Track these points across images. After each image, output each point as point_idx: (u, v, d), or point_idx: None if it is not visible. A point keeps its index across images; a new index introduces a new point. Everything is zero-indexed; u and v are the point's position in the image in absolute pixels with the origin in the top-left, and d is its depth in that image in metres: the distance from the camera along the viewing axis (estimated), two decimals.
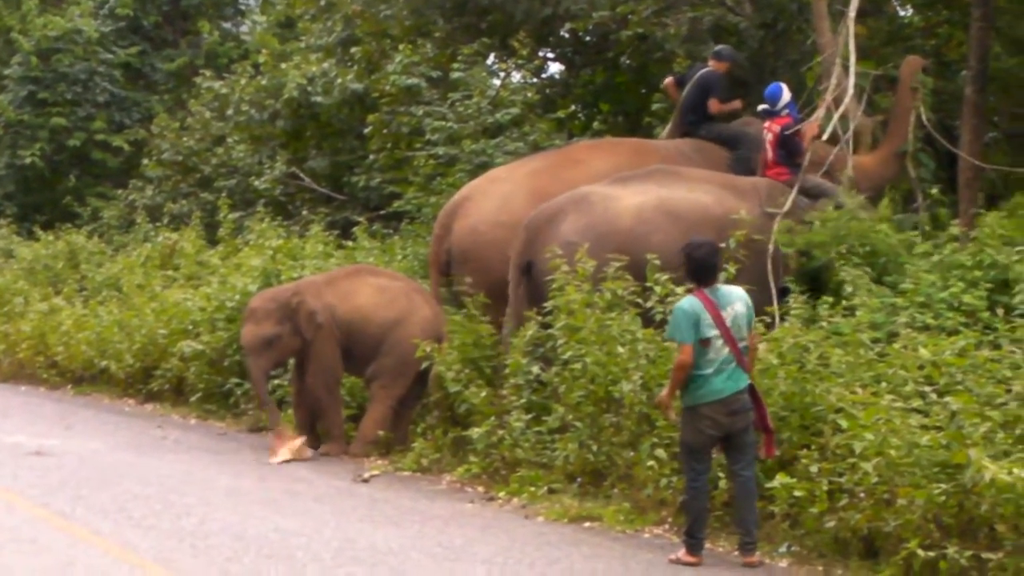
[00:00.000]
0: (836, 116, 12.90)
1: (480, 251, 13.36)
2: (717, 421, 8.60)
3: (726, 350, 8.58)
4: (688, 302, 8.75)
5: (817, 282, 11.66)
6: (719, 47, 14.97)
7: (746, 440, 8.66)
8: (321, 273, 14.65)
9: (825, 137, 12.92)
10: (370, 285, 13.41)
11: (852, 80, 13.02)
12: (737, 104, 14.30)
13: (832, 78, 13.14)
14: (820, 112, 13.04)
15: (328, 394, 13.22)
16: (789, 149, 12.94)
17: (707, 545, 8.77)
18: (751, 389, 8.69)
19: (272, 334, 13.14)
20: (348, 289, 13.37)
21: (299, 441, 12.96)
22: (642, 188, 12.28)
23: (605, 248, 11.45)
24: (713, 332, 8.57)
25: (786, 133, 12.91)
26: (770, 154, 13.09)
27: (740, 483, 8.72)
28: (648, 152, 13.84)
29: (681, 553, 8.64)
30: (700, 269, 8.77)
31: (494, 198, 13.59)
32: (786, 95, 13.38)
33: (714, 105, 14.05)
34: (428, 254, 14.54)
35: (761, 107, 13.69)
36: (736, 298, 8.72)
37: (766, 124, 13.26)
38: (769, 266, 11.70)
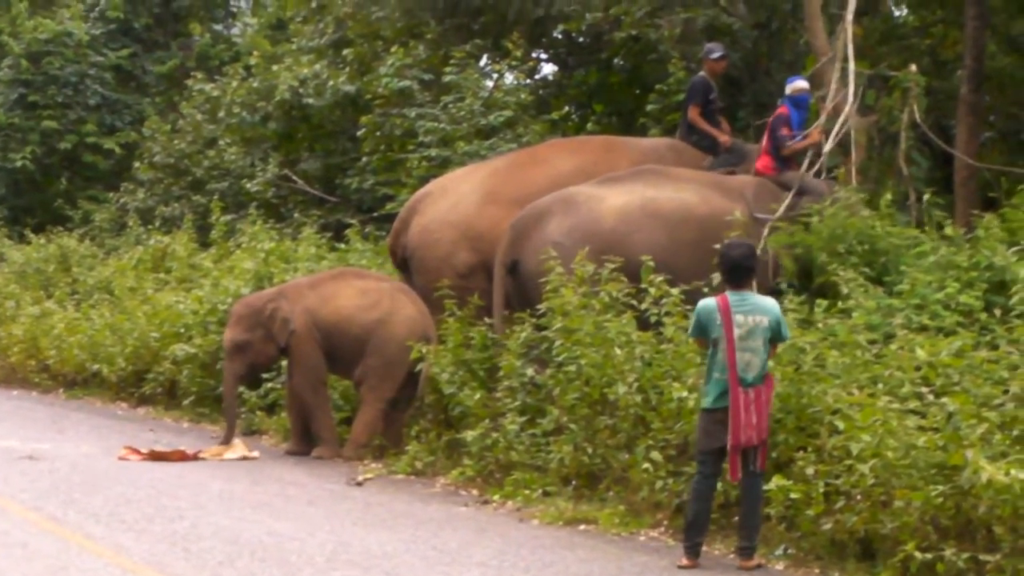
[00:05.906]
0: (839, 124, 12.77)
1: (426, 250, 13.42)
2: (707, 429, 8.54)
3: (726, 360, 8.45)
4: (706, 302, 8.68)
5: (813, 282, 11.58)
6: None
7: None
8: (308, 276, 14.64)
9: (827, 148, 12.77)
10: (353, 287, 13.36)
11: (852, 87, 12.92)
12: (721, 136, 13.77)
13: (832, 83, 13.06)
14: (822, 119, 12.96)
15: (314, 396, 13.19)
16: (775, 142, 12.90)
17: (704, 548, 8.71)
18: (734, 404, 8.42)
19: (243, 340, 13.28)
20: (330, 292, 13.34)
21: (234, 450, 13.22)
22: (628, 188, 12.23)
23: (589, 249, 11.42)
24: (719, 334, 8.47)
25: (778, 133, 12.86)
26: (765, 141, 13.07)
27: (742, 488, 8.61)
28: (618, 150, 13.74)
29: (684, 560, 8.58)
30: (732, 270, 8.63)
31: (449, 197, 13.62)
32: (796, 86, 13.25)
33: (692, 112, 13.82)
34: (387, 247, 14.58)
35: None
36: (763, 311, 8.53)
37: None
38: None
